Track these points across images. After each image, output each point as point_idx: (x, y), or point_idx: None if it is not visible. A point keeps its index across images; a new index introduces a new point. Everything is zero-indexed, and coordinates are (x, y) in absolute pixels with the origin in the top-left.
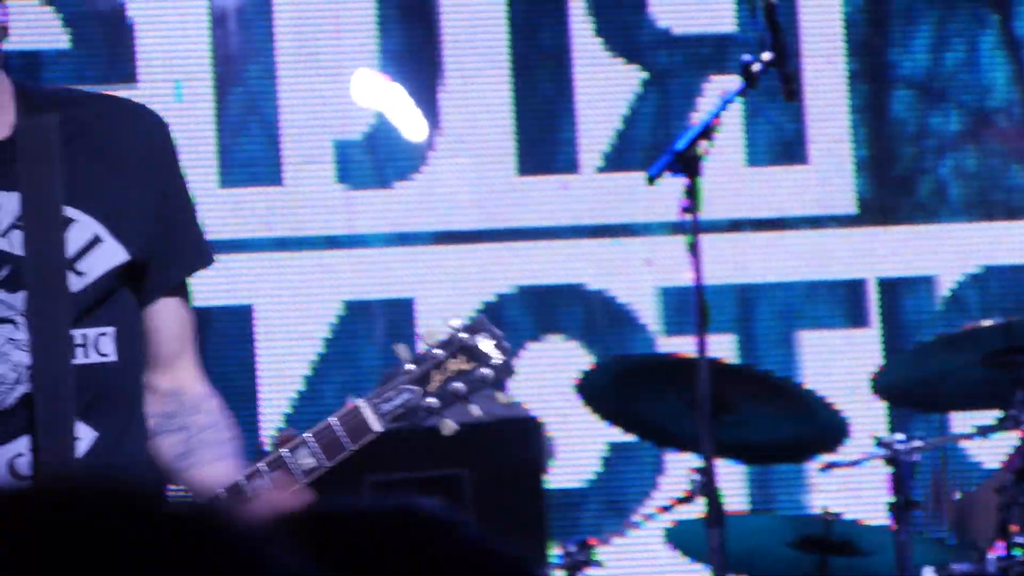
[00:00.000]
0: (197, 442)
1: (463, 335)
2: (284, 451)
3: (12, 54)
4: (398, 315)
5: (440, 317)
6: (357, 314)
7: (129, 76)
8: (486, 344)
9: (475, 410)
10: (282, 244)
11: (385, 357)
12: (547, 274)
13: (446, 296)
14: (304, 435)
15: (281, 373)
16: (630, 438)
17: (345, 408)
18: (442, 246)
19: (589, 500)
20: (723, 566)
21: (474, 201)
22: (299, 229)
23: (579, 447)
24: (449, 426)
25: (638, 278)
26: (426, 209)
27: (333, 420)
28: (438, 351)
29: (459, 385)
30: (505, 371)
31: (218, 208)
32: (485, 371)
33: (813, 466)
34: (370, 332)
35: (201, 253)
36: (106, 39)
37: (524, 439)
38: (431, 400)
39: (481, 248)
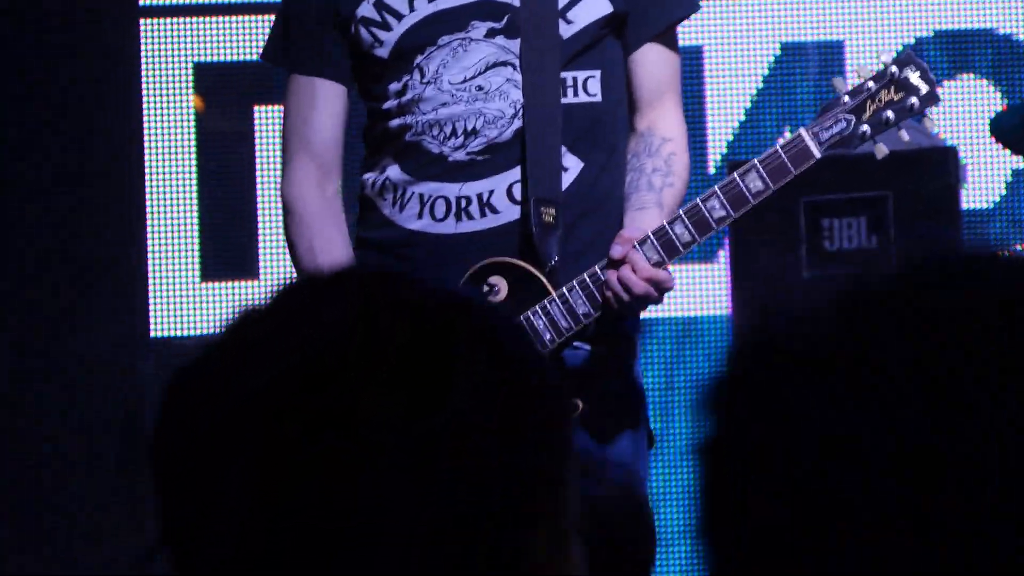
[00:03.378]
0: (638, 185)
1: (893, 68)
2: (736, 175)
3: None
4: (829, 56)
5: (865, 59)
6: (793, 55)
7: None
8: (914, 76)
9: (905, 135)
10: None
11: (816, 95)
12: (961, 19)
13: (872, 39)
14: (754, 160)
15: (726, 107)
16: None
17: (789, 137)
18: None
19: (995, 218)
20: None
21: None
22: None
23: (988, 173)
24: (881, 150)
25: None
26: None
27: (778, 147)
28: (871, 83)
29: (889, 114)
30: (931, 100)
31: None
32: (913, 100)
33: None
34: (804, 71)
35: (681, 3)
36: None
37: (942, 165)
38: (864, 128)
39: None
